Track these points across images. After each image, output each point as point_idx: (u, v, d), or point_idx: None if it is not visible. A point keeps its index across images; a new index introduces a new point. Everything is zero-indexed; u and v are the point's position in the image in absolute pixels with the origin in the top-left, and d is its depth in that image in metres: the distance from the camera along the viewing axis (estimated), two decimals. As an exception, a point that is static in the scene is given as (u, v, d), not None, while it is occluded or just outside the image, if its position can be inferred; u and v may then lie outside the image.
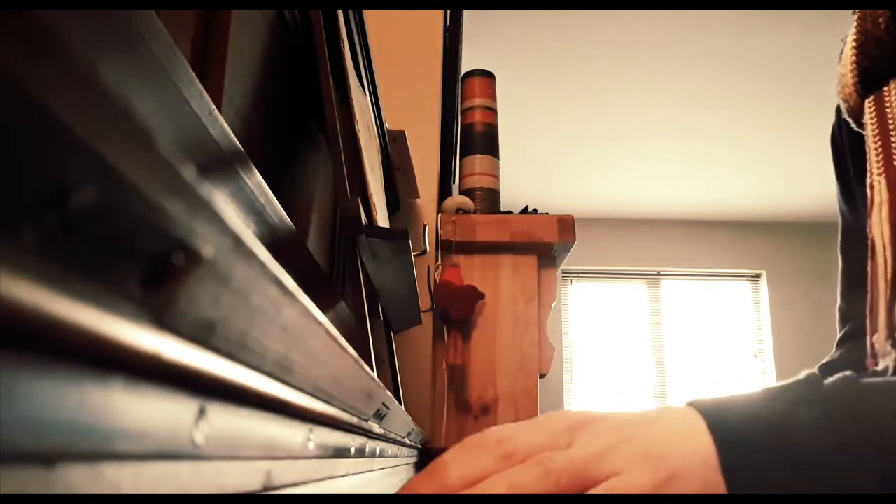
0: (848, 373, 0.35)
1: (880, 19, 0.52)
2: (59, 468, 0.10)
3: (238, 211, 0.49)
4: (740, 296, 4.44)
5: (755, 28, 2.61)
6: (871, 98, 0.53)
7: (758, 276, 4.44)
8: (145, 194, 0.11)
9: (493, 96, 1.63)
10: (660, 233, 4.45)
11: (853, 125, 0.56)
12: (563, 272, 4.32)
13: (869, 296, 0.53)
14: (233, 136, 0.44)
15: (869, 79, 0.54)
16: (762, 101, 3.15)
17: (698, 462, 0.32)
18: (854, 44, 0.54)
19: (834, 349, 0.69)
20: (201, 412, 0.15)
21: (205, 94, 0.38)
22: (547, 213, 1.44)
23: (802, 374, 0.36)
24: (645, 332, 4.38)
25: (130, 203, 0.10)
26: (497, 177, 1.56)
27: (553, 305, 1.43)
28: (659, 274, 4.47)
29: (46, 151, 0.09)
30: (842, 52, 0.58)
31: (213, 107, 0.39)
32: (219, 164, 0.44)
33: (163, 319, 0.12)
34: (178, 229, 0.12)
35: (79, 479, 0.10)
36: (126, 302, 0.11)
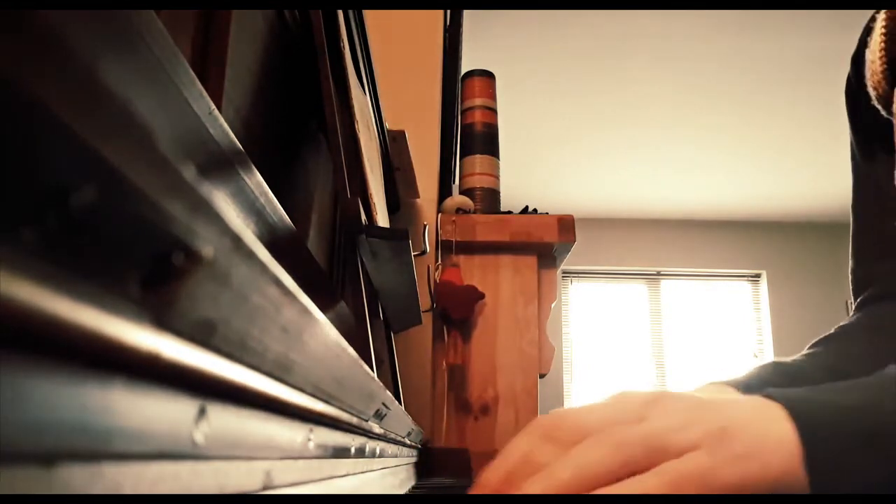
0: None
1: None
2: (59, 468, 0.10)
3: (238, 211, 0.49)
4: (740, 296, 4.44)
5: (756, 28, 2.61)
6: None
7: (758, 276, 4.44)
8: (145, 194, 0.11)
9: (493, 96, 1.63)
10: (660, 233, 4.45)
11: (882, 112, 0.57)
12: (563, 272, 4.32)
13: None
14: (233, 136, 0.44)
15: None
16: (763, 102, 3.15)
17: (779, 447, 0.31)
18: (884, 31, 0.55)
19: (852, 312, 0.68)
20: (201, 412, 0.15)
21: (205, 94, 0.38)
22: (547, 213, 1.44)
23: (885, 372, 0.35)
24: (645, 332, 4.38)
25: (131, 203, 0.10)
26: (497, 177, 1.56)
27: (553, 305, 1.43)
28: (659, 274, 4.47)
29: (47, 151, 0.09)
30: (861, 44, 0.58)
31: (213, 107, 0.39)
32: (219, 164, 0.44)
33: (163, 319, 0.12)
34: (178, 229, 0.12)
35: (79, 479, 0.10)
36: (126, 302, 0.11)
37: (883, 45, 0.55)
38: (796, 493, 0.30)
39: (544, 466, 0.31)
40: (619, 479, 0.30)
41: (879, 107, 0.57)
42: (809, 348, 0.63)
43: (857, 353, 0.59)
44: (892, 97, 0.55)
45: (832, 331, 0.65)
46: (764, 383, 0.53)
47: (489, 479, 0.32)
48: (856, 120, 0.66)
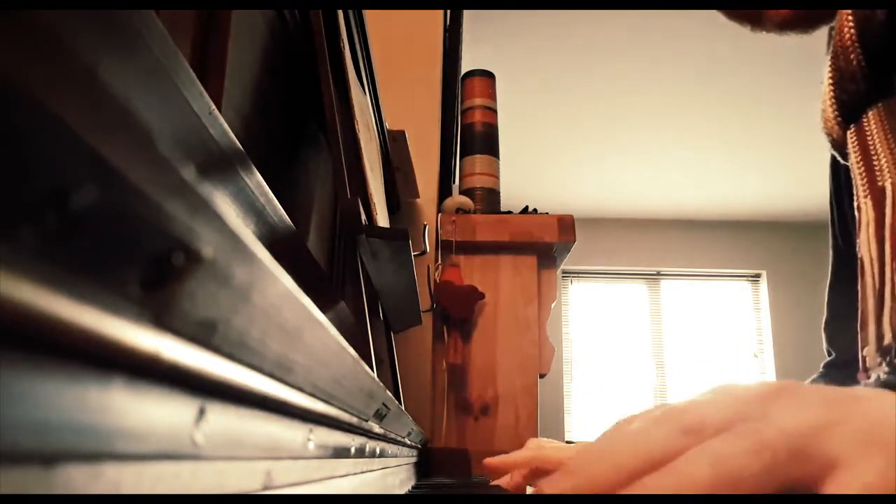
0: None
1: (852, 55, 0.54)
2: (60, 468, 0.10)
3: (238, 211, 0.49)
4: (740, 296, 4.44)
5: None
6: (853, 129, 0.55)
7: (758, 276, 4.44)
8: (145, 194, 0.11)
9: (493, 96, 1.63)
10: (660, 233, 4.45)
11: (838, 157, 0.58)
12: (563, 272, 4.32)
13: (860, 314, 0.53)
14: (233, 136, 0.44)
15: (848, 111, 0.55)
16: (763, 102, 3.15)
17: None
18: (830, 80, 0.56)
19: (820, 369, 0.70)
20: (201, 412, 0.15)
21: (205, 94, 0.38)
22: (547, 213, 1.44)
23: None
24: (645, 332, 4.38)
25: (130, 203, 0.10)
26: (497, 177, 1.56)
27: (553, 305, 1.43)
28: (659, 274, 4.47)
29: (47, 151, 0.09)
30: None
31: (213, 107, 0.39)
32: (219, 164, 0.44)
33: (163, 319, 0.12)
34: (178, 229, 0.12)
35: (79, 479, 0.10)
36: (126, 302, 0.11)
37: (831, 90, 0.56)
38: None
39: (666, 459, 0.26)
40: (759, 486, 0.25)
41: (835, 153, 0.58)
42: None
43: None
44: (845, 140, 0.55)
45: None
46: None
47: (597, 474, 0.26)
48: (838, 199, 0.68)
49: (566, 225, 1.40)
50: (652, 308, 4.42)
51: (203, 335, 0.14)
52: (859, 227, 0.53)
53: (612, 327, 4.38)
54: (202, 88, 0.37)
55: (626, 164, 3.78)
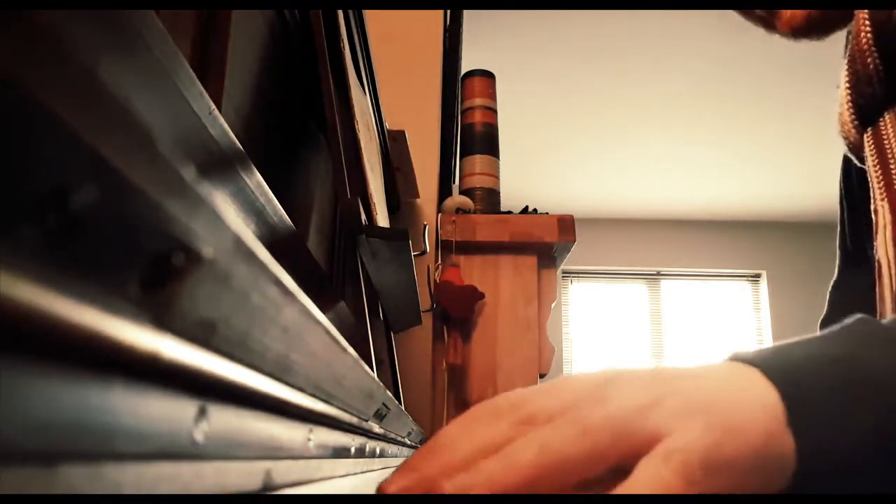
0: None
1: (868, 59, 0.54)
2: (60, 468, 0.10)
3: (238, 211, 0.49)
4: (740, 296, 4.44)
5: (756, 28, 2.61)
6: (869, 132, 0.55)
7: (758, 276, 4.44)
8: (145, 194, 0.11)
9: (493, 96, 1.63)
10: (660, 233, 4.45)
11: (855, 161, 0.58)
12: (563, 272, 4.32)
13: (878, 317, 0.54)
14: (233, 136, 0.44)
15: (865, 115, 0.55)
16: (763, 102, 3.15)
17: (758, 410, 0.28)
18: (847, 84, 0.56)
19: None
20: (201, 412, 0.15)
21: (205, 94, 0.38)
22: (547, 213, 1.44)
23: (852, 318, 0.32)
24: (645, 332, 4.38)
25: (130, 203, 0.10)
26: (497, 177, 1.57)
27: (553, 305, 1.43)
28: (659, 274, 4.47)
29: (47, 151, 0.09)
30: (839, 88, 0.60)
31: (213, 107, 0.39)
32: (219, 164, 0.44)
33: (163, 319, 0.12)
34: (178, 229, 0.12)
35: (79, 479, 0.10)
36: (126, 302, 0.11)
37: (848, 93, 0.56)
38: (784, 459, 0.28)
39: (499, 449, 0.27)
40: (586, 469, 0.27)
41: (852, 156, 0.59)
42: None
43: None
44: (862, 144, 0.56)
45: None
46: None
47: (427, 465, 0.27)
48: (851, 203, 0.67)
49: (566, 225, 1.40)
50: (652, 308, 4.42)
51: (203, 335, 0.14)
52: (876, 230, 0.53)
53: (612, 327, 4.38)
54: (202, 88, 0.37)
55: (627, 164, 3.78)
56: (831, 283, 0.70)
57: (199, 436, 0.15)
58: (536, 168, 3.80)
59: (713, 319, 4.38)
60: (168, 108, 0.34)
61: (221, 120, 0.41)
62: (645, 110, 3.26)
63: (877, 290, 0.54)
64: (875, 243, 0.54)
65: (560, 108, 3.26)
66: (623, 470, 0.27)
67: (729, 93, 3.10)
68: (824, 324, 0.69)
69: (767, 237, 4.40)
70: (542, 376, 1.37)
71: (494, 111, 1.62)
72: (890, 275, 0.51)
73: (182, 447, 0.14)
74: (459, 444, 0.28)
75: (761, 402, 0.28)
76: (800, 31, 0.60)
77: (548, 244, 1.41)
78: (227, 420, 0.17)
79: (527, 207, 1.50)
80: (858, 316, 0.33)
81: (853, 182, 0.66)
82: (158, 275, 0.12)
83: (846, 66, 0.56)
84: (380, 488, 0.28)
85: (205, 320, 0.14)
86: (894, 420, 0.28)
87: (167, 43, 0.31)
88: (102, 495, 0.11)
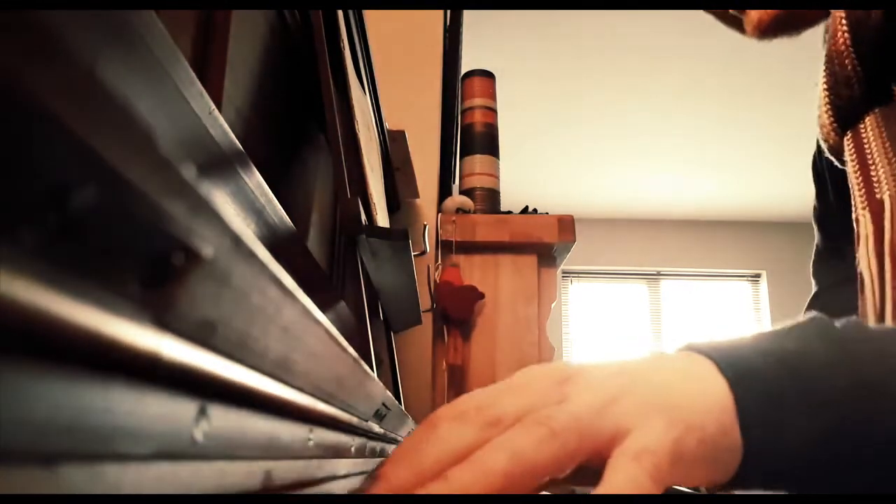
0: (854, 317, 0.34)
1: (846, 60, 0.52)
2: (60, 468, 0.10)
3: (238, 211, 0.49)
4: (740, 296, 4.44)
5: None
6: (849, 135, 0.54)
7: (758, 276, 4.44)
8: (145, 194, 0.11)
9: (493, 96, 1.63)
10: (660, 233, 4.45)
11: (836, 163, 0.57)
12: (563, 272, 4.32)
13: None
14: (233, 136, 0.44)
15: (844, 117, 0.54)
16: (763, 102, 3.15)
17: (712, 405, 0.29)
18: (825, 86, 0.55)
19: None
20: (201, 412, 0.15)
21: (205, 94, 0.38)
22: (547, 213, 1.44)
23: (806, 316, 0.33)
24: (645, 332, 4.38)
25: (130, 203, 0.10)
26: (497, 177, 1.57)
27: (553, 305, 1.43)
28: (659, 274, 4.47)
29: (46, 151, 0.09)
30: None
31: (213, 107, 0.39)
32: (219, 164, 0.44)
33: (163, 319, 0.12)
34: (178, 229, 0.12)
35: (79, 479, 0.10)
36: (126, 302, 0.11)
37: (827, 98, 0.55)
38: (735, 453, 0.29)
39: (468, 454, 0.26)
40: (556, 470, 0.27)
41: (832, 158, 0.58)
42: None
43: None
44: (842, 147, 0.55)
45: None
46: None
47: (397, 474, 0.27)
48: (821, 191, 0.66)
49: (566, 225, 1.40)
50: (652, 308, 4.42)
51: (203, 335, 0.14)
52: (858, 240, 0.52)
53: (612, 327, 4.38)
54: (202, 88, 0.37)
55: (627, 164, 3.78)
56: (812, 259, 0.68)
57: (199, 436, 0.15)
58: (536, 168, 3.81)
59: (713, 319, 4.38)
60: (168, 108, 0.34)
61: (221, 120, 0.41)
62: (645, 110, 3.26)
63: (859, 303, 0.53)
64: (857, 255, 0.52)
65: (560, 108, 3.27)
66: (585, 467, 0.28)
67: (729, 93, 3.10)
68: (812, 300, 0.68)
69: (767, 237, 4.40)
70: (542, 376, 1.37)
71: (494, 111, 1.62)
72: (873, 290, 0.50)
73: (182, 447, 0.14)
74: (428, 450, 0.27)
75: (715, 395, 0.29)
76: (768, 31, 0.59)
77: (548, 244, 1.41)
78: (227, 420, 0.17)
79: (527, 207, 1.50)
80: (813, 314, 0.34)
81: (825, 179, 0.64)
82: (158, 275, 0.12)
83: (824, 67, 0.55)
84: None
85: (205, 320, 0.14)
86: (836, 422, 0.29)
87: (167, 43, 0.31)
88: (102, 495, 0.11)
